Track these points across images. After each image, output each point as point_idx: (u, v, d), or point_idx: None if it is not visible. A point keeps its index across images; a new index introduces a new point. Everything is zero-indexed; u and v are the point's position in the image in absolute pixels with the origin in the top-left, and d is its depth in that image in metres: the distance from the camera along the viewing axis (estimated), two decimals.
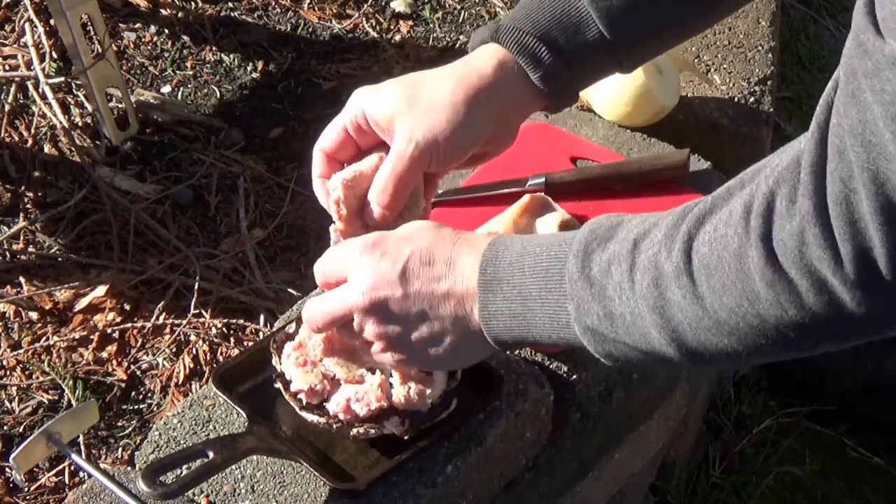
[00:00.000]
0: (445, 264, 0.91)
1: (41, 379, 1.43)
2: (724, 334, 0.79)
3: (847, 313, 0.73)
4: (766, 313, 0.76)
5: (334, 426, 1.00)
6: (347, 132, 1.01)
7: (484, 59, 1.01)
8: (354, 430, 0.99)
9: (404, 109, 0.98)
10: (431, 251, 0.92)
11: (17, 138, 1.73)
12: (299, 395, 1.00)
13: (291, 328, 1.05)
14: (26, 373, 1.44)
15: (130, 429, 1.39)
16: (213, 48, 1.93)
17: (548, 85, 1.00)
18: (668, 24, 1.04)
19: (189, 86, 1.87)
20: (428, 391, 1.00)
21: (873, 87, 0.65)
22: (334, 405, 0.99)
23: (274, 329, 1.14)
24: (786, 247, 0.73)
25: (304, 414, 1.00)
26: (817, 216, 0.71)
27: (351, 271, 0.93)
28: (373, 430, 0.99)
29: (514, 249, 0.90)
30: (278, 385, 1.02)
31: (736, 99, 1.55)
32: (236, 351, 1.46)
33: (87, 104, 1.79)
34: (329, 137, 1.02)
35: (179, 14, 1.97)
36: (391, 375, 1.01)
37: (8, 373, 1.44)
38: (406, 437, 1.00)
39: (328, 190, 1.01)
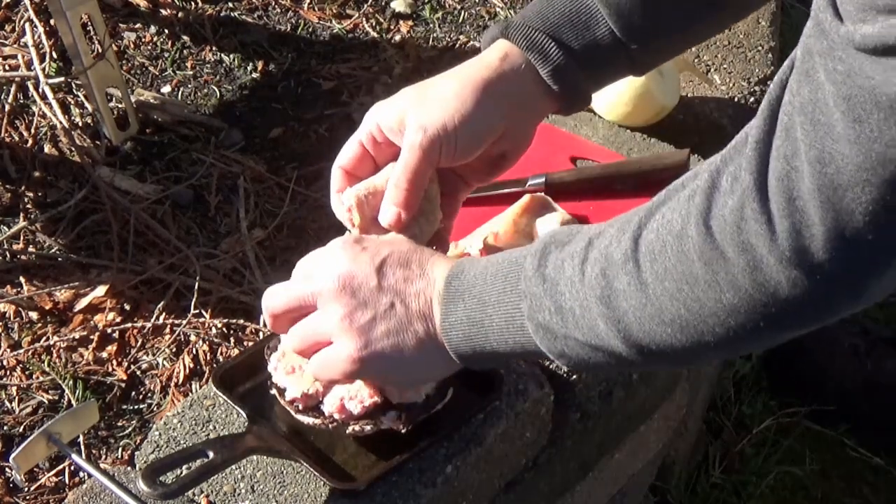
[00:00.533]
0: (420, 268, 0.93)
1: (41, 379, 1.43)
2: (666, 323, 0.79)
3: (783, 296, 0.73)
4: (704, 297, 0.76)
5: (331, 426, 1.00)
6: (364, 147, 1.02)
7: (492, 54, 1.02)
8: (350, 429, 0.99)
9: (413, 105, 0.99)
10: (409, 255, 0.94)
11: (17, 138, 1.73)
12: (295, 403, 1.00)
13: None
14: (26, 373, 1.44)
15: (130, 429, 1.38)
16: (213, 48, 1.93)
17: (558, 82, 1.00)
18: (677, 21, 1.04)
19: (189, 86, 1.87)
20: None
21: (826, 66, 0.66)
22: (329, 406, 0.99)
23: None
24: (725, 223, 0.74)
25: (300, 417, 1.00)
26: (757, 191, 0.71)
27: (328, 260, 0.95)
28: (369, 427, 0.99)
29: (479, 264, 0.92)
30: (274, 392, 1.02)
31: (736, 99, 1.56)
32: (236, 351, 1.46)
33: (87, 104, 1.78)
34: (346, 154, 1.03)
35: (179, 14, 1.97)
36: None
37: (8, 373, 1.44)
38: (404, 431, 1.00)
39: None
